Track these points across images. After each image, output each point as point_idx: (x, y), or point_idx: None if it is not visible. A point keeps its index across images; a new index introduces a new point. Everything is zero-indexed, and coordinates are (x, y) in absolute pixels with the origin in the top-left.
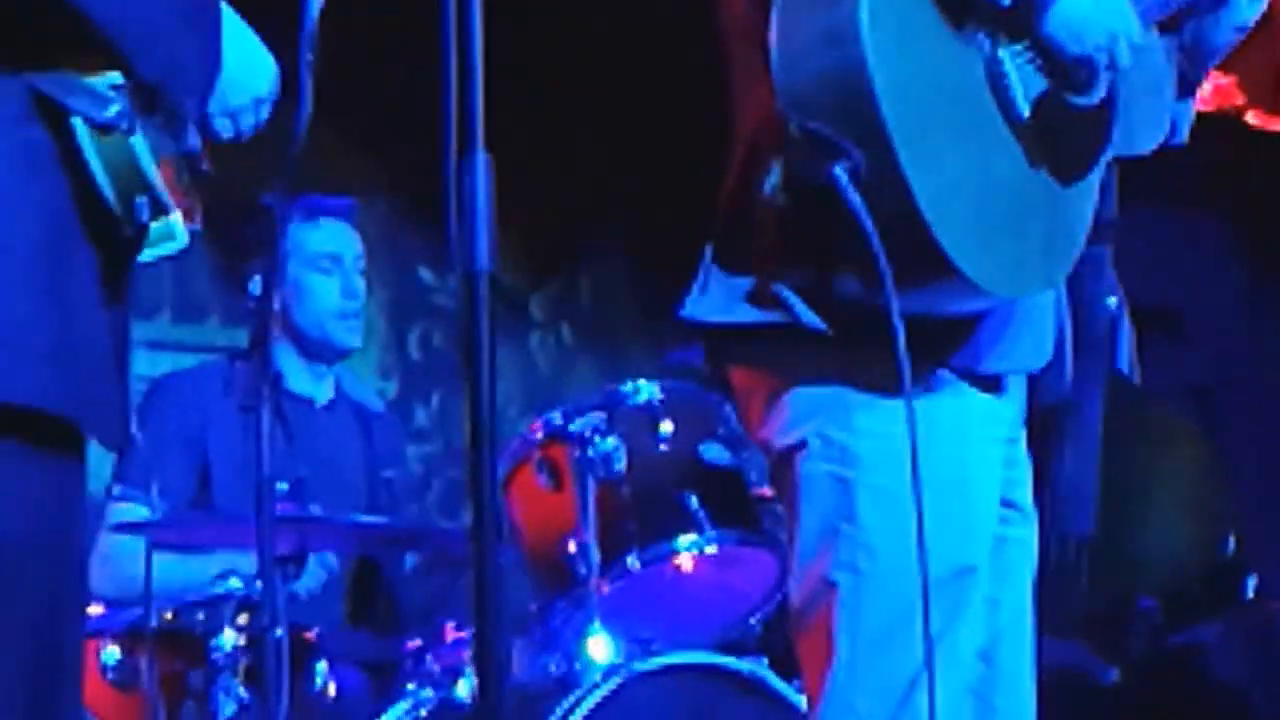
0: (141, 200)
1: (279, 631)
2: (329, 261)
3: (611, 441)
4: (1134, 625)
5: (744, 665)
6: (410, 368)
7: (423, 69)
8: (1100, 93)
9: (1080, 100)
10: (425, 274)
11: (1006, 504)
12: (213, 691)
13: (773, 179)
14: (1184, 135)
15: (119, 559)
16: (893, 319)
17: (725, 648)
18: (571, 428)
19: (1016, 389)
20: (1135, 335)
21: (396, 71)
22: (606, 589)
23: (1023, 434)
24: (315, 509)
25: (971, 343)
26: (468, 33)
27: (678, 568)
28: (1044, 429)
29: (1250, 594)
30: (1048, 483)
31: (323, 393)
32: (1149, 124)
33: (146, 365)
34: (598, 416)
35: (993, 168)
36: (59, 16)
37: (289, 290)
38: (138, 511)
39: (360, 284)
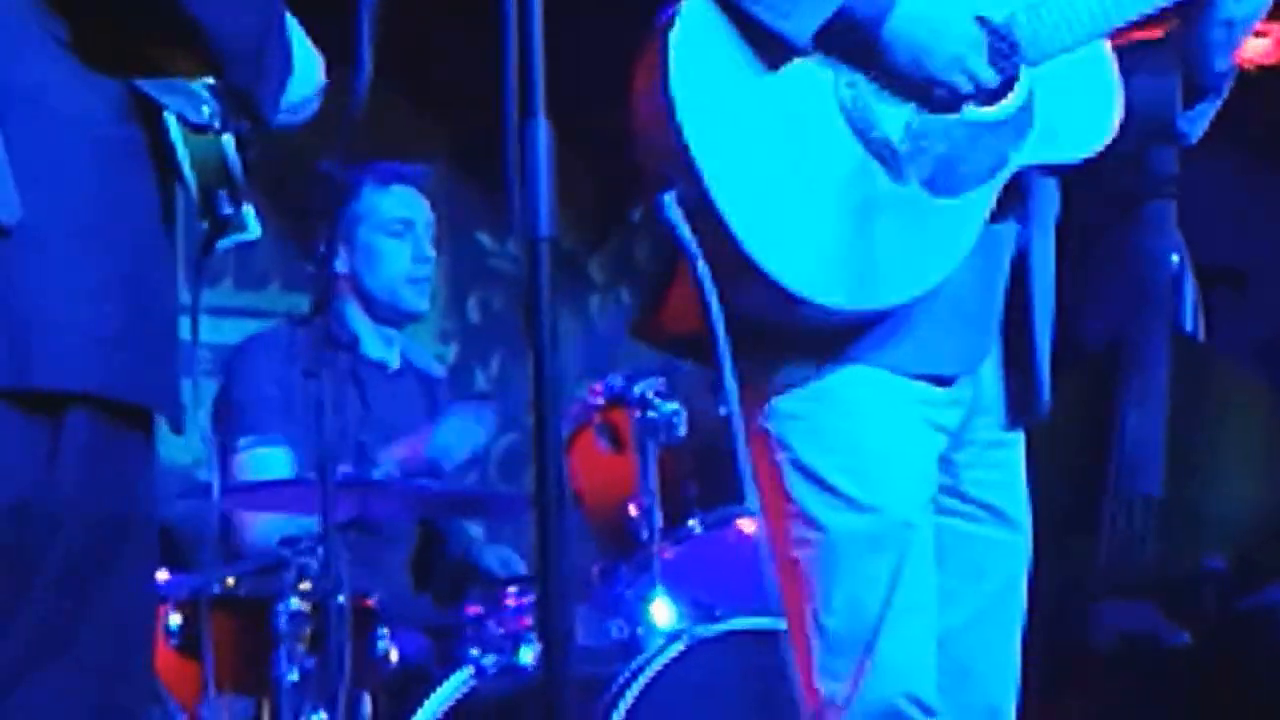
0: (222, 193)
1: (341, 598)
2: (401, 226)
3: (673, 405)
4: (1203, 587)
5: None
6: (469, 332)
7: (483, 33)
8: (1011, 107)
9: (979, 115)
10: (484, 238)
11: (974, 502)
12: (276, 657)
13: (638, 209)
14: (1194, 138)
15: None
16: (714, 329)
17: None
18: (633, 391)
19: (967, 388)
20: (1199, 292)
21: (456, 36)
22: (669, 553)
23: (1010, 439)
24: (377, 473)
25: (875, 341)
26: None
27: (740, 531)
28: (1106, 387)
29: None
30: (1113, 442)
31: (393, 358)
32: (1083, 131)
33: (209, 332)
34: (659, 380)
35: (836, 188)
36: (170, 22)
37: (360, 254)
38: (275, 455)
39: (431, 250)
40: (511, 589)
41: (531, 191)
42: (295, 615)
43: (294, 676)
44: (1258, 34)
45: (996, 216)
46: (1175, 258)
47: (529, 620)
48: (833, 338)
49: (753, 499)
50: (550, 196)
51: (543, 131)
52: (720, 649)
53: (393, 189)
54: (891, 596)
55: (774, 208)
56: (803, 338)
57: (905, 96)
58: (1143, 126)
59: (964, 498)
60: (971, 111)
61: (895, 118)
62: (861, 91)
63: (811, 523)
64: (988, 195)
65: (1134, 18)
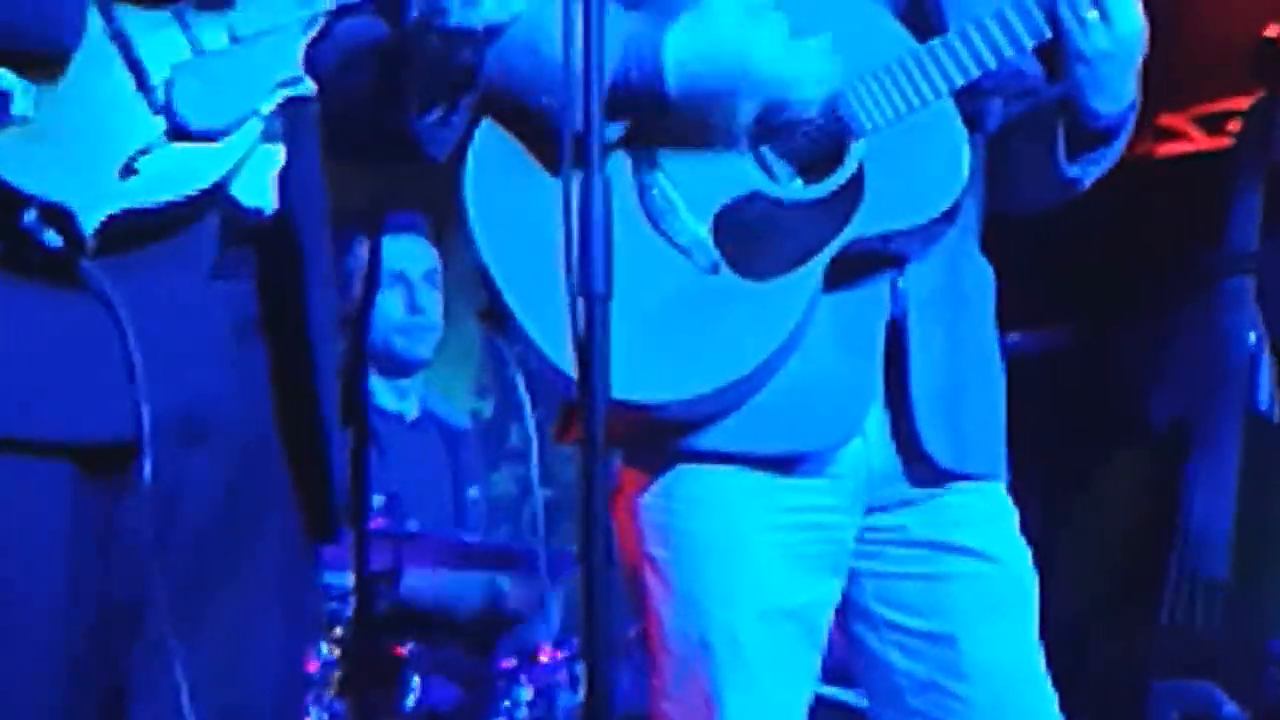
0: (29, 217)
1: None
2: (391, 277)
3: None
4: (1269, 671)
5: (847, 695)
6: (507, 387)
7: None
8: (837, 180)
9: (800, 194)
10: None
11: (938, 546)
12: (305, 703)
13: None
14: (1086, 184)
15: None
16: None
17: (826, 677)
18: None
19: (850, 460)
20: (1278, 371)
21: None
22: None
23: (971, 487)
24: (412, 524)
25: (719, 429)
26: (588, 52)
27: None
28: (1171, 465)
29: None
30: (1179, 522)
31: (409, 408)
32: (922, 195)
33: None
34: None
35: (636, 287)
36: None
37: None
38: None
39: (428, 298)
40: (546, 644)
41: (587, 249)
42: (326, 662)
43: None
44: None
45: (857, 286)
46: (1253, 336)
47: (562, 676)
48: (674, 430)
49: None
50: (607, 252)
51: (600, 189)
52: None
53: (385, 239)
54: (719, 692)
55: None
56: (648, 432)
57: (703, 145)
58: (1037, 179)
59: (914, 542)
60: (792, 191)
61: (703, 207)
62: (663, 187)
63: (653, 613)
64: (812, 274)
65: (974, 78)
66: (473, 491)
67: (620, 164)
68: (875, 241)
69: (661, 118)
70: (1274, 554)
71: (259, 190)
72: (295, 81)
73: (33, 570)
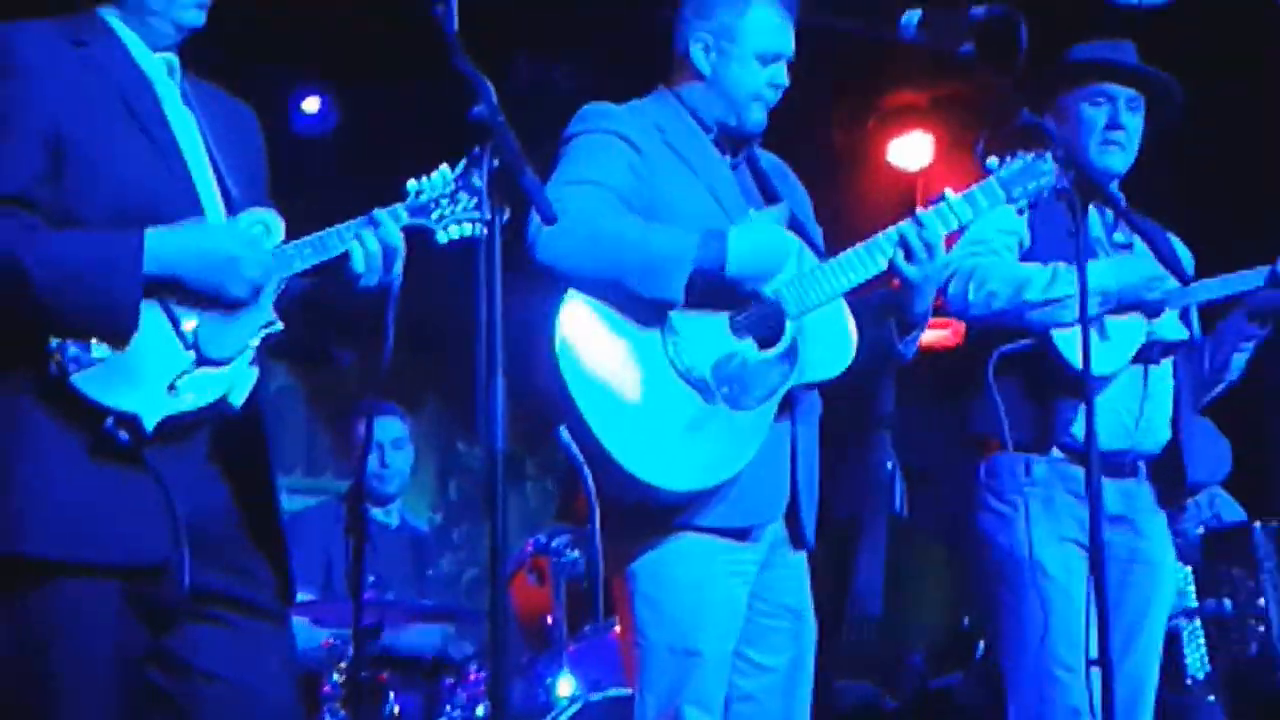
0: (109, 423)
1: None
2: (374, 444)
3: (575, 554)
4: (907, 673)
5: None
6: (450, 505)
7: (459, 315)
8: (782, 347)
9: (762, 355)
10: (461, 445)
11: (776, 604)
12: (321, 715)
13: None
14: (909, 357)
15: None
16: (592, 513)
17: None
18: (551, 546)
19: (764, 535)
20: (907, 487)
21: (442, 317)
22: (572, 648)
23: (798, 559)
24: (391, 595)
25: (695, 511)
26: (492, 293)
27: (615, 634)
28: (846, 544)
29: (979, 654)
30: (850, 579)
31: (393, 520)
32: (832, 359)
33: (286, 503)
34: (568, 537)
35: (669, 412)
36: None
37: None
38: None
39: (394, 456)
40: (473, 667)
41: (492, 423)
42: (334, 685)
43: None
44: (941, 325)
45: (779, 417)
46: (890, 465)
47: (483, 689)
48: (668, 512)
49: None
50: (505, 425)
51: (500, 385)
52: (604, 709)
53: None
54: (687, 693)
55: (632, 431)
56: (650, 514)
57: (719, 308)
58: (875, 352)
59: (770, 603)
60: (754, 354)
61: (704, 362)
62: (680, 347)
63: (642, 633)
64: (771, 407)
65: (858, 285)
66: (430, 572)
67: (655, 332)
68: (803, 388)
69: (721, 288)
70: (907, 599)
71: (244, 394)
72: (272, 324)
73: (87, 672)
